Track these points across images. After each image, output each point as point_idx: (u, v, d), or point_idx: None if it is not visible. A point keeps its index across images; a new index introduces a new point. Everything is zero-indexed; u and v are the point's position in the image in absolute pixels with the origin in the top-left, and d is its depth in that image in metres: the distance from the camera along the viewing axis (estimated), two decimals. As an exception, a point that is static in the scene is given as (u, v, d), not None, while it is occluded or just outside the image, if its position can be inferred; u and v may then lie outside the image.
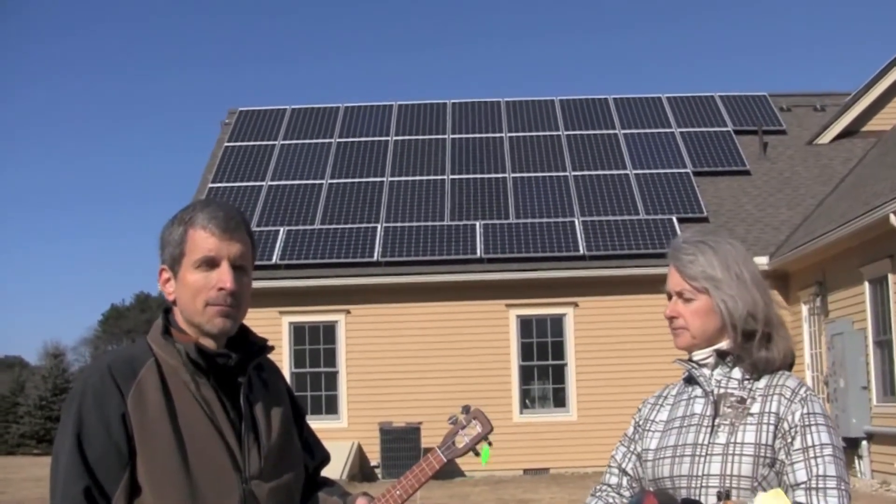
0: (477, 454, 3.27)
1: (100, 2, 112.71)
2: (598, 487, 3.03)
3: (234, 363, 2.68)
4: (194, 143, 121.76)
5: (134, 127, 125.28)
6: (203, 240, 2.66)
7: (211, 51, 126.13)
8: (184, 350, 2.63)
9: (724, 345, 2.84)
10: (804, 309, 20.42)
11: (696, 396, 2.88)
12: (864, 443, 17.52)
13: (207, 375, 2.64)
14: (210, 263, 2.66)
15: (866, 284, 17.57)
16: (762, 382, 2.81)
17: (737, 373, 2.84)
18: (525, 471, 20.80)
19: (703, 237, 2.92)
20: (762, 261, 20.74)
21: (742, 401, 2.78)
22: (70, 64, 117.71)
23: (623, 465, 2.99)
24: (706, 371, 2.86)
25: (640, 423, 3.00)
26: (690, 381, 2.92)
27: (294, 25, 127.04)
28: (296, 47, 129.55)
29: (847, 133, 24.34)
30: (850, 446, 17.73)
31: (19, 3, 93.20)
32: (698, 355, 2.87)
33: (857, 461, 17.68)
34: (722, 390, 2.82)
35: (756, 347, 2.82)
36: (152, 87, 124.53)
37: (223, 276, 2.65)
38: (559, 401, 21.55)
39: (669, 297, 2.91)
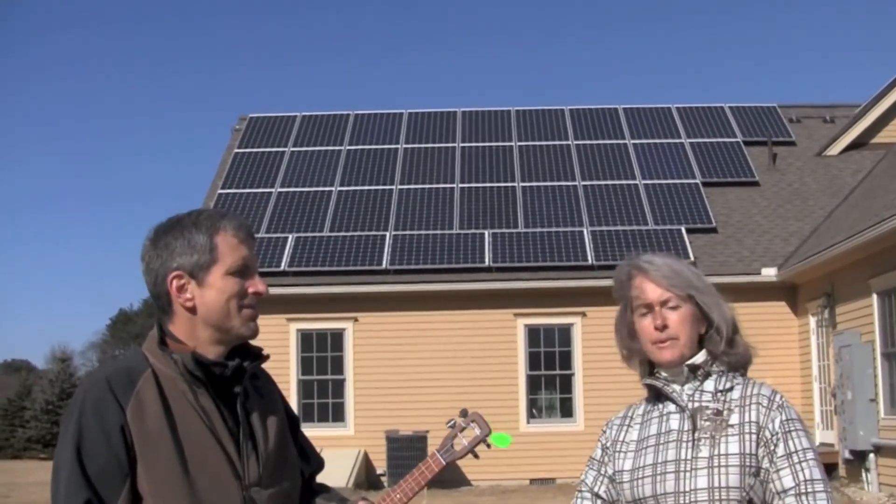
0: (476, 457, 3.27)
1: (109, 5, 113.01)
2: None
3: (231, 372, 2.70)
4: (204, 149, 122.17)
5: (144, 131, 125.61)
6: (236, 247, 2.72)
7: (222, 57, 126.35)
8: (181, 360, 2.64)
9: (699, 358, 2.85)
10: (812, 321, 20.38)
11: (669, 413, 2.86)
12: (872, 455, 17.47)
13: (205, 385, 2.66)
14: (244, 270, 2.72)
15: (874, 297, 17.53)
16: (736, 393, 2.83)
17: (708, 385, 2.85)
18: (531, 480, 20.77)
19: (652, 255, 2.96)
20: (771, 272, 20.74)
21: (719, 413, 2.79)
22: (81, 67, 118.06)
23: (595, 489, 2.96)
24: (676, 386, 2.86)
25: (608, 445, 2.98)
26: (658, 398, 2.91)
27: (305, 32, 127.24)
28: (307, 54, 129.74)
29: (856, 145, 24.31)
30: (858, 459, 17.70)
31: (27, 2, 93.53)
32: (668, 371, 2.87)
33: (864, 474, 17.64)
34: (696, 404, 2.82)
35: (736, 346, 2.87)
36: (162, 91, 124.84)
37: (258, 283, 2.75)
38: (566, 410, 21.53)
39: (642, 315, 2.90)
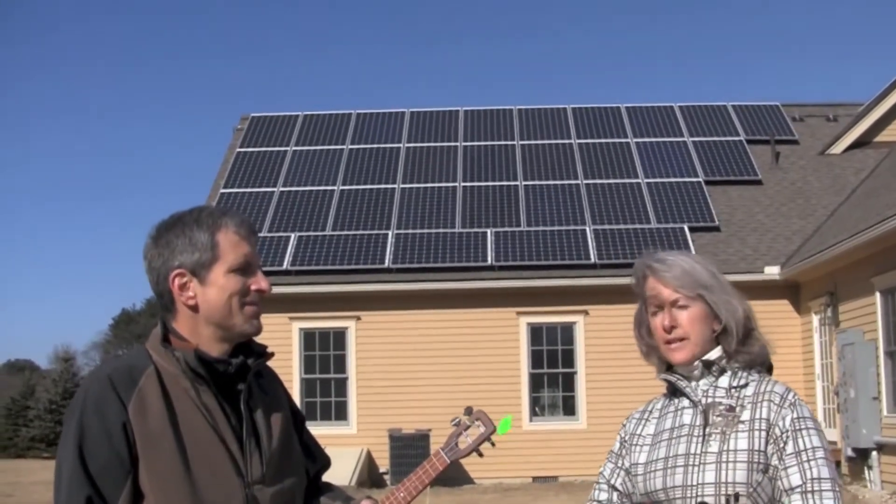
0: (481, 455, 3.27)
1: (111, 2, 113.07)
2: None
3: (235, 370, 2.71)
4: (208, 147, 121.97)
5: (145, 131, 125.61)
6: (237, 245, 2.71)
7: (223, 56, 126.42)
8: (183, 357, 2.65)
9: (714, 354, 2.87)
10: (815, 319, 20.38)
11: (683, 408, 2.89)
12: (875, 453, 17.46)
13: (208, 382, 2.66)
14: (246, 268, 2.71)
15: (877, 295, 17.52)
16: (749, 390, 2.84)
17: (723, 381, 2.86)
18: (534, 478, 20.77)
19: (668, 252, 2.97)
20: (773, 270, 20.73)
21: (731, 409, 2.80)
22: (83, 64, 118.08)
23: (612, 481, 3.00)
24: (692, 382, 2.88)
25: (626, 438, 3.02)
26: (675, 393, 2.94)
27: (306, 32, 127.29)
28: (308, 54, 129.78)
29: (859, 143, 24.30)
30: (861, 457, 17.68)
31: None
32: (683, 367, 2.89)
33: (867, 472, 17.63)
34: (710, 400, 2.85)
35: (750, 344, 2.88)
36: (164, 91, 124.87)
37: (261, 280, 2.74)
38: (569, 409, 21.53)
39: (653, 314, 2.92)
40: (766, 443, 2.74)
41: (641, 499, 2.89)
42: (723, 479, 2.72)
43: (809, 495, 2.68)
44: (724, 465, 2.73)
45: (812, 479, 2.70)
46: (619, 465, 3.00)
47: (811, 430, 2.75)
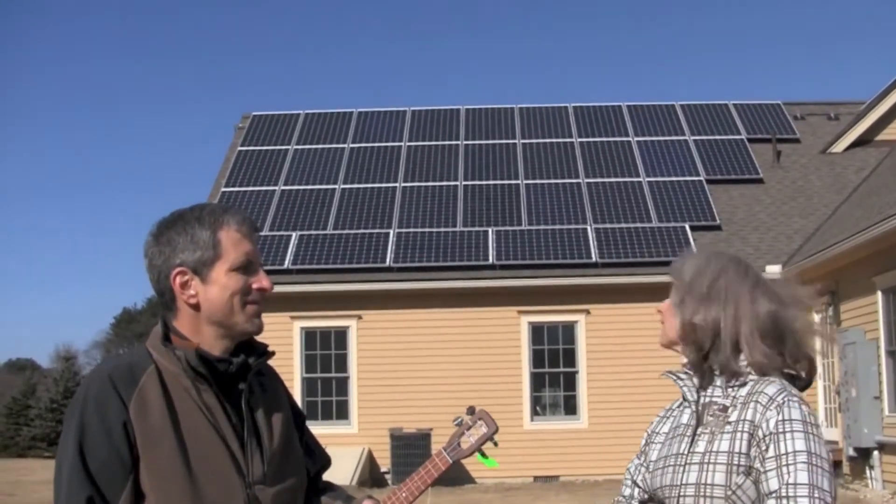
0: (484, 455, 3.25)
1: (112, 5, 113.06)
2: (616, 500, 3.09)
3: (236, 369, 2.69)
4: (208, 147, 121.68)
5: (146, 129, 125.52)
6: (239, 243, 2.69)
7: (225, 55, 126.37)
8: (184, 356, 2.63)
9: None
10: (816, 318, 20.32)
11: (685, 407, 2.92)
12: (876, 453, 17.45)
13: (209, 381, 2.64)
14: (248, 266, 2.70)
15: (879, 294, 17.50)
16: (745, 390, 2.80)
17: (720, 381, 2.85)
18: (535, 478, 20.76)
19: (717, 251, 3.02)
20: (775, 269, 20.68)
21: (724, 409, 2.79)
22: (83, 62, 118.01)
23: (635, 477, 3.05)
24: (696, 380, 2.89)
25: (649, 434, 3.06)
26: None
27: (307, 31, 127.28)
28: (309, 53, 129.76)
29: (861, 142, 24.29)
30: (862, 456, 17.68)
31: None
32: (687, 365, 2.92)
33: (868, 471, 17.63)
34: (707, 399, 2.85)
35: (718, 352, 2.83)
36: (165, 90, 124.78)
37: (262, 278, 2.73)
38: (570, 408, 21.52)
39: None
40: (749, 445, 2.69)
41: (651, 495, 2.93)
42: (703, 481, 2.71)
43: (784, 500, 2.61)
44: (706, 466, 2.72)
45: (787, 484, 2.61)
46: (642, 461, 3.04)
47: (796, 432, 2.66)
